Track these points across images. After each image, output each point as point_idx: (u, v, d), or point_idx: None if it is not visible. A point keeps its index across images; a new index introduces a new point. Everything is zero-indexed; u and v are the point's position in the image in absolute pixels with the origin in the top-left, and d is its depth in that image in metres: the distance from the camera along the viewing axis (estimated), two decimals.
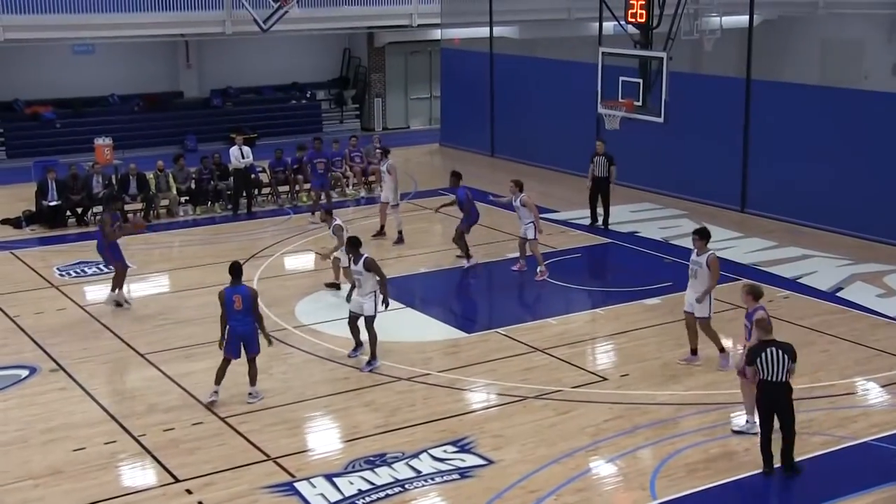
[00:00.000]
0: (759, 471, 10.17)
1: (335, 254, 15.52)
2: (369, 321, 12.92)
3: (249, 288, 12.17)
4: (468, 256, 16.96)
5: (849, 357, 13.12)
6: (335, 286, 15.87)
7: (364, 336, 13.07)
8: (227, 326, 11.79)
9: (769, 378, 9.94)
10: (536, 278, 16.41)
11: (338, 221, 15.63)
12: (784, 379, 9.95)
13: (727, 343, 13.30)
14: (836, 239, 18.45)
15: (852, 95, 20.23)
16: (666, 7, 17.78)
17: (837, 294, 15.61)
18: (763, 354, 9.93)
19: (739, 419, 11.16)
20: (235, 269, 12.03)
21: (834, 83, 24.28)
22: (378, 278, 12.81)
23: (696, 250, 12.85)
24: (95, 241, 15.86)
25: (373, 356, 12.99)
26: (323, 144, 21.99)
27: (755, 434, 10.61)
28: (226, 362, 11.96)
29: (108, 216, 15.63)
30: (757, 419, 10.52)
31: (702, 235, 12.85)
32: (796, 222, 19.43)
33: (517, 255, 17.03)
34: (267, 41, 29.43)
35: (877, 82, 27.20)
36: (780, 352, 9.95)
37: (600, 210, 19.56)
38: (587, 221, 19.82)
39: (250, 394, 12.05)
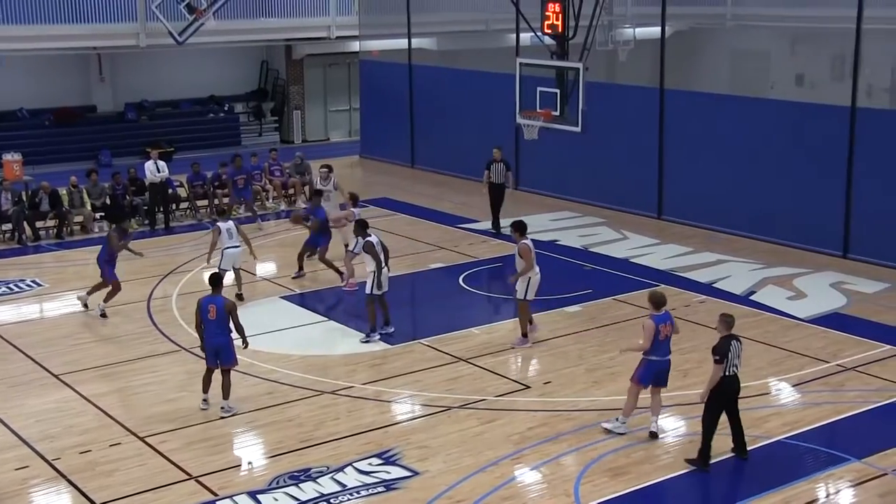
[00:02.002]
0: (681, 472, 10.33)
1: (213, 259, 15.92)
2: (366, 299, 14.16)
3: (226, 299, 12.01)
4: (341, 274, 16.64)
5: (762, 358, 13.42)
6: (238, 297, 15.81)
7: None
8: (203, 336, 11.87)
9: (731, 372, 10.24)
10: (346, 288, 16.46)
11: (220, 225, 15.73)
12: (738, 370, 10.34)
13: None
14: (749, 244, 18.89)
15: (761, 104, 20.75)
16: (581, 18, 18.00)
17: (750, 297, 15.96)
18: (731, 349, 10.21)
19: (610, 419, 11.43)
20: (215, 280, 12.09)
21: (743, 92, 24.86)
22: (375, 261, 13.93)
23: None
24: (99, 250, 15.85)
25: (371, 329, 14.22)
26: (242, 160, 21.84)
27: (622, 434, 11.05)
28: (208, 371, 12.02)
29: (115, 233, 15.82)
30: (627, 421, 11.11)
31: (515, 227, 13.87)
32: (711, 228, 19.84)
33: (433, 266, 17.02)
34: (183, 54, 28.99)
35: (782, 91, 27.95)
36: (740, 344, 10.38)
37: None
38: (494, 229, 19.96)
39: (223, 407, 11.97)
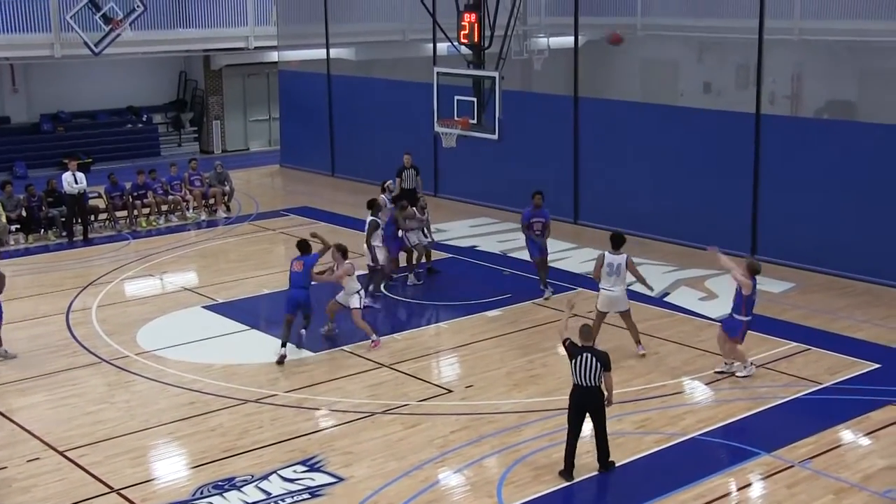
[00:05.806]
0: (602, 472, 10.43)
1: None
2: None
3: None
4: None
5: (677, 358, 13.65)
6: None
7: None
8: None
9: (582, 383, 10.16)
10: None
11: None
12: (596, 384, 10.19)
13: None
14: (662, 246, 19.18)
15: (670, 111, 21.12)
16: (497, 28, 18.10)
17: (665, 299, 16.22)
18: (577, 359, 10.15)
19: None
20: None
21: (654, 100, 25.31)
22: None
23: (615, 255, 13.90)
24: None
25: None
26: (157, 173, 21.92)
27: (750, 376, 12.63)
28: None
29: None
30: (751, 362, 12.74)
31: (616, 242, 14.11)
32: (626, 232, 20.01)
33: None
34: (100, 64, 28.37)
35: (691, 99, 28.56)
36: (594, 360, 10.14)
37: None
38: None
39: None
